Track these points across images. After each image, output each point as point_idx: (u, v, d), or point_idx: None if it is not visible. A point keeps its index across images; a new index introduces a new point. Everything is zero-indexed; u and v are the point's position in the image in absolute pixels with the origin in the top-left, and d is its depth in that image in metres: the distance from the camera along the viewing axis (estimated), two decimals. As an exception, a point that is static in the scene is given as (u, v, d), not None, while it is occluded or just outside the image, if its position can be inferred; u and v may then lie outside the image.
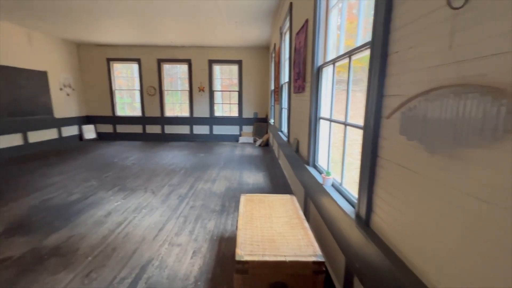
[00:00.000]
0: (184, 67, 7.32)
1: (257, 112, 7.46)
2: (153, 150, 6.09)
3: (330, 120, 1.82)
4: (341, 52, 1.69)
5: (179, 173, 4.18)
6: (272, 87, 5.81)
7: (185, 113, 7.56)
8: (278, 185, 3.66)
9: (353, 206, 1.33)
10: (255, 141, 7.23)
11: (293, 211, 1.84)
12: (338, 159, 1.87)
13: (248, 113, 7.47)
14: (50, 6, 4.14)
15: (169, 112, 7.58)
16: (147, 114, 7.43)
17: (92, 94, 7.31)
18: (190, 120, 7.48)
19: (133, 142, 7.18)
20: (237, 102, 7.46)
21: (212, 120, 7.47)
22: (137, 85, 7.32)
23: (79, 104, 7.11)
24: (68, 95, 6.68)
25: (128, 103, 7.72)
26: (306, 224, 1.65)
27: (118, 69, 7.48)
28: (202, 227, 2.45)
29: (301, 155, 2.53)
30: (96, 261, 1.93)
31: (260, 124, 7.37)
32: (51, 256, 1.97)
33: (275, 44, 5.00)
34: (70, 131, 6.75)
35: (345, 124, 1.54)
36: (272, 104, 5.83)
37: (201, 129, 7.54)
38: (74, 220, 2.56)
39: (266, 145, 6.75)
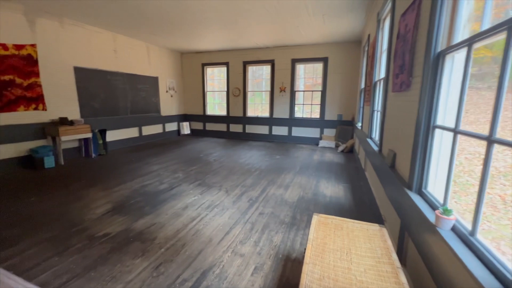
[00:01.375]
0: (268, 68, 7.38)
1: (341, 114, 6.71)
2: (234, 148, 6.40)
3: (455, 131, 1.23)
4: (486, 25, 1.09)
5: (254, 174, 4.14)
6: (362, 86, 5.03)
7: (266, 113, 7.63)
8: (362, 204, 3.06)
9: (500, 279, 0.79)
10: (337, 146, 6.53)
11: (382, 251, 1.36)
12: (464, 190, 1.26)
13: (331, 115, 6.83)
14: (163, 23, 4.90)
15: (250, 112, 7.84)
16: (231, 114, 7.93)
17: (189, 96, 8.41)
18: (269, 121, 7.50)
19: (218, 139, 7.81)
20: (319, 103, 6.94)
21: (292, 121, 7.23)
22: (225, 87, 7.91)
23: (179, 104, 8.30)
24: (171, 96, 7.90)
25: (218, 104, 8.46)
26: (403, 278, 1.16)
27: (211, 73, 8.30)
28: (268, 240, 2.24)
29: (399, 173, 1.93)
30: (167, 254, 2.02)
31: (345, 127, 6.60)
32: (135, 240, 2.21)
33: (369, 36, 4.26)
34: (171, 127, 7.98)
35: (490, 140, 0.96)
36: (361, 105, 5.05)
37: (280, 130, 7.43)
38: (159, 208, 2.85)
39: (350, 151, 5.97)
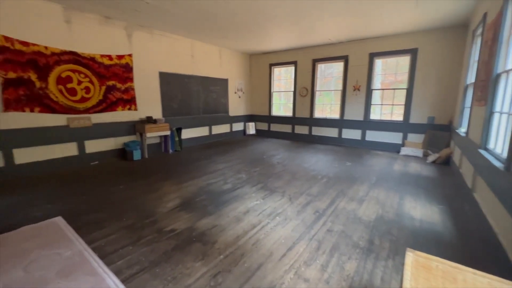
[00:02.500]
0: (339, 66, 6.73)
1: (433, 116, 5.50)
2: (298, 150, 6.07)
3: None
4: None
5: (320, 182, 3.74)
6: (472, 80, 3.92)
7: (335, 114, 6.99)
8: (470, 237, 2.29)
9: None
10: (426, 155, 5.38)
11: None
12: None
13: (418, 117, 5.68)
14: (232, 25, 5.02)
15: (318, 113, 7.33)
16: (297, 115, 7.60)
17: (255, 96, 8.51)
18: (339, 123, 6.83)
19: (283, 140, 7.61)
20: (403, 103, 5.87)
21: (367, 124, 6.38)
22: (292, 87, 7.65)
23: (246, 105, 8.49)
24: (239, 97, 8.14)
25: (283, 104, 8.28)
26: None
27: (279, 73, 8.17)
28: (339, 266, 1.87)
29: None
30: (226, 262, 1.91)
31: (437, 133, 5.38)
32: (197, 241, 2.19)
33: (485, 14, 3.25)
34: (237, 127, 8.23)
35: None
36: (468, 105, 3.95)
37: (351, 133, 6.67)
38: (221, 209, 2.82)
39: (445, 163, 4.81)
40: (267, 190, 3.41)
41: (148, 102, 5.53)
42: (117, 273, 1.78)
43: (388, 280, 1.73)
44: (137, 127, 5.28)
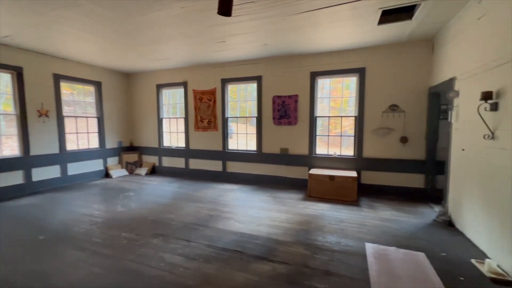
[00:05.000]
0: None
1: (121, 140, 6.68)
2: None
3: (322, 133, 5.20)
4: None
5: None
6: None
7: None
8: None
9: (348, 154, 5.02)
10: (131, 171, 6.57)
11: None
12: None
13: (112, 143, 6.42)
14: None
15: None
16: None
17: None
18: (23, 161, 4.64)
19: None
20: (96, 131, 6.06)
21: (64, 156, 5.33)
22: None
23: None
24: None
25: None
26: None
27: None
28: None
29: (294, 152, 5.40)
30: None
31: (127, 153, 6.78)
32: None
33: (185, 82, 6.12)
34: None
35: (335, 133, 5.13)
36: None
37: (41, 173, 4.98)
38: (264, 230, 3.02)
39: (153, 172, 6.70)
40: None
41: None
42: None
43: (293, 192, 4.72)
44: None
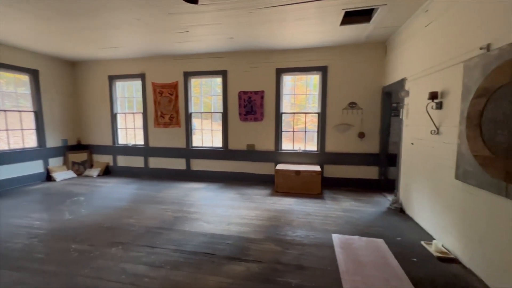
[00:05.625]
0: None
1: (66, 138, 5.86)
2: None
3: (287, 129, 5.31)
4: (289, 108, 5.27)
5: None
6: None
7: None
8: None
9: (311, 149, 5.22)
10: (79, 173, 5.81)
11: (290, 163, 5.07)
12: None
13: (54, 141, 5.58)
14: None
15: None
16: None
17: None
18: None
19: None
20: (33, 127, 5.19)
21: (-6, 158, 4.46)
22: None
23: None
24: None
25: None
26: (299, 162, 5.11)
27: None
28: None
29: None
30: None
31: (78, 152, 5.99)
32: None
33: (142, 74, 5.61)
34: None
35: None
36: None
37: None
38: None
39: (106, 173, 6.05)
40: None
41: None
42: (333, 235, 2.83)
43: (261, 188, 4.74)
44: None
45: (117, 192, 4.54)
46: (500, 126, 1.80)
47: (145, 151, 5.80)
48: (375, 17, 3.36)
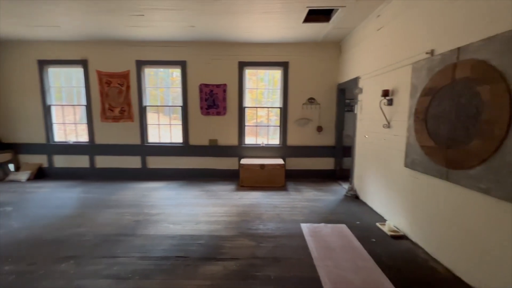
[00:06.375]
0: None
1: (-22, 136, 4.71)
2: None
3: (250, 124, 5.31)
4: (252, 102, 5.26)
5: None
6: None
7: None
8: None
9: (274, 143, 5.35)
10: None
11: (254, 157, 5.11)
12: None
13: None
14: None
15: None
16: None
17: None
18: None
19: None
20: None
21: None
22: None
23: None
24: None
25: None
26: (263, 156, 5.18)
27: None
28: (227, 190, 4.30)
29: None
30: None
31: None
32: (252, 218, 3.13)
33: (84, 60, 4.86)
34: None
35: (262, 124, 5.32)
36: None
37: None
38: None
39: (40, 176, 5.12)
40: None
41: None
42: (302, 225, 2.97)
43: (225, 184, 4.65)
44: None
45: (57, 198, 3.89)
46: (442, 120, 2.12)
47: (91, 149, 5.09)
48: (334, 18, 3.57)
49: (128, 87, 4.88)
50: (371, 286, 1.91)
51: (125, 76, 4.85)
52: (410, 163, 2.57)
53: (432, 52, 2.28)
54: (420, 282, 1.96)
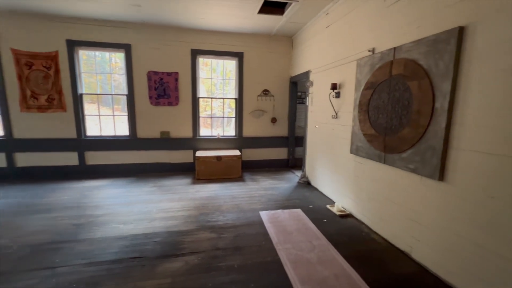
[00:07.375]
0: None
1: None
2: None
3: (205, 115, 5.14)
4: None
5: None
6: None
7: None
8: (127, 172, 4.76)
9: (229, 135, 5.31)
10: None
11: (210, 149, 5.00)
12: (207, 128, 5.26)
13: None
14: None
15: None
16: None
17: None
18: None
19: None
20: None
21: None
22: None
23: None
24: None
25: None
26: (219, 148, 5.11)
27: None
28: (182, 184, 4.13)
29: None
30: (213, 199, 3.50)
31: None
32: (211, 211, 3.08)
33: None
34: None
35: (218, 115, 5.21)
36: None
37: None
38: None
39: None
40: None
41: None
42: (261, 213, 3.06)
43: (180, 178, 4.45)
44: None
45: (-38, 206, 3.12)
46: (381, 111, 2.42)
47: (7, 144, 4.20)
48: (288, 11, 3.67)
49: (57, 71, 4.15)
50: (326, 261, 2.11)
51: (52, 58, 4.09)
52: (355, 150, 2.87)
53: (373, 50, 2.56)
54: (364, 252, 2.25)
